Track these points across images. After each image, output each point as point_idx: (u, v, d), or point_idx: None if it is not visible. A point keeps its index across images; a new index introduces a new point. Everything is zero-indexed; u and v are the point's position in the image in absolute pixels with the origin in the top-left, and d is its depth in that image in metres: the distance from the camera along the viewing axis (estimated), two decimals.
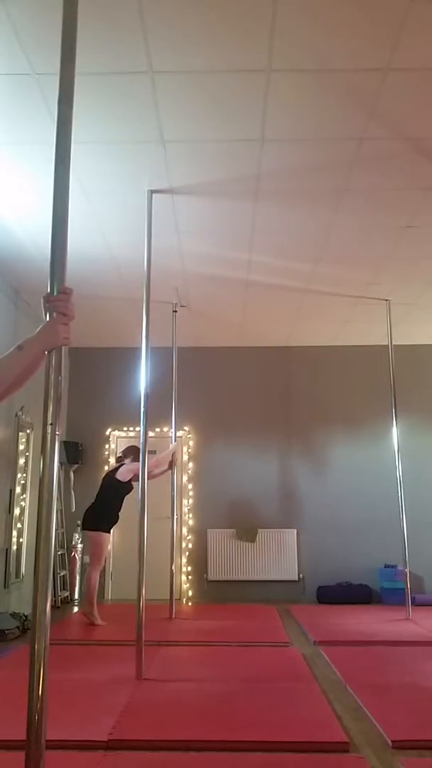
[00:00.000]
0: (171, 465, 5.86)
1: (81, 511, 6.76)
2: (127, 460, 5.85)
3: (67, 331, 1.67)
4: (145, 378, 4.20)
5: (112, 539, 6.05)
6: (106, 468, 7.06)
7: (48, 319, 1.68)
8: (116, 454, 7.02)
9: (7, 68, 3.00)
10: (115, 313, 6.60)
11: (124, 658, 4.15)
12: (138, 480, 4.12)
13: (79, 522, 7.19)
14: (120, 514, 5.68)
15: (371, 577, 7.15)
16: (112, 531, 5.69)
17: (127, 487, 5.66)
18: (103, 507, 5.64)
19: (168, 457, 5.77)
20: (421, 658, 4.28)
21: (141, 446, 4.08)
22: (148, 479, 4.11)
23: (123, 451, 6.08)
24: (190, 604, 6.95)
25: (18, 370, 1.58)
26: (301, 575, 7.27)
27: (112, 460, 7.34)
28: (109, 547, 5.73)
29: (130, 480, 5.65)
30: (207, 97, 3.22)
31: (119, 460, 6.03)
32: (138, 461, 5.76)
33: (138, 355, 4.62)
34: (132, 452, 5.89)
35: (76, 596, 7.01)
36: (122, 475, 5.65)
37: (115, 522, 5.66)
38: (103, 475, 6.08)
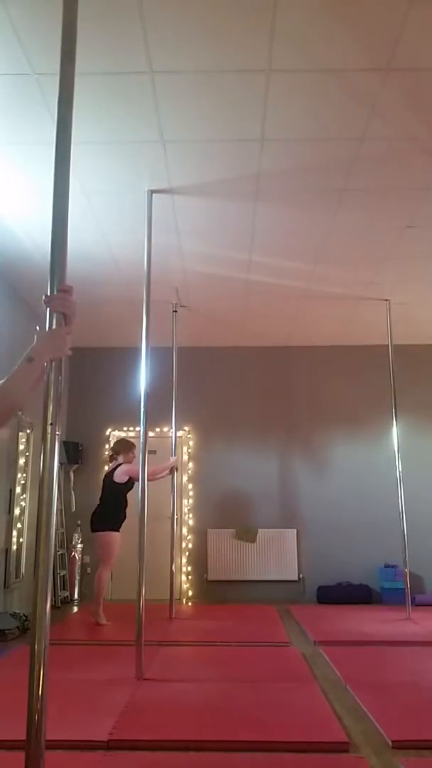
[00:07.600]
0: (171, 471, 5.86)
1: (81, 511, 6.72)
2: (120, 457, 5.83)
3: (69, 341, 1.68)
4: (145, 378, 4.20)
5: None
6: (106, 468, 7.06)
7: (48, 318, 1.68)
8: None
9: (7, 68, 3.00)
10: (115, 313, 6.60)
11: (124, 658, 4.14)
12: (137, 479, 4.11)
13: (79, 522, 7.19)
14: (127, 511, 5.65)
15: (371, 577, 7.15)
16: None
17: (127, 486, 5.64)
18: (107, 508, 5.62)
19: (165, 470, 5.76)
20: (421, 658, 4.28)
21: (141, 446, 4.08)
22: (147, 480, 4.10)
23: (113, 449, 6.04)
24: (190, 604, 6.95)
25: (31, 381, 1.58)
26: (301, 575, 7.27)
27: None
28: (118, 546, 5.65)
29: (128, 480, 5.64)
30: (207, 97, 3.22)
31: (111, 458, 6.00)
32: (130, 454, 5.77)
33: (138, 355, 4.61)
34: (123, 448, 5.86)
35: (76, 596, 7.00)
36: (119, 477, 5.63)
37: (123, 519, 5.59)
38: (103, 476, 6.06)
